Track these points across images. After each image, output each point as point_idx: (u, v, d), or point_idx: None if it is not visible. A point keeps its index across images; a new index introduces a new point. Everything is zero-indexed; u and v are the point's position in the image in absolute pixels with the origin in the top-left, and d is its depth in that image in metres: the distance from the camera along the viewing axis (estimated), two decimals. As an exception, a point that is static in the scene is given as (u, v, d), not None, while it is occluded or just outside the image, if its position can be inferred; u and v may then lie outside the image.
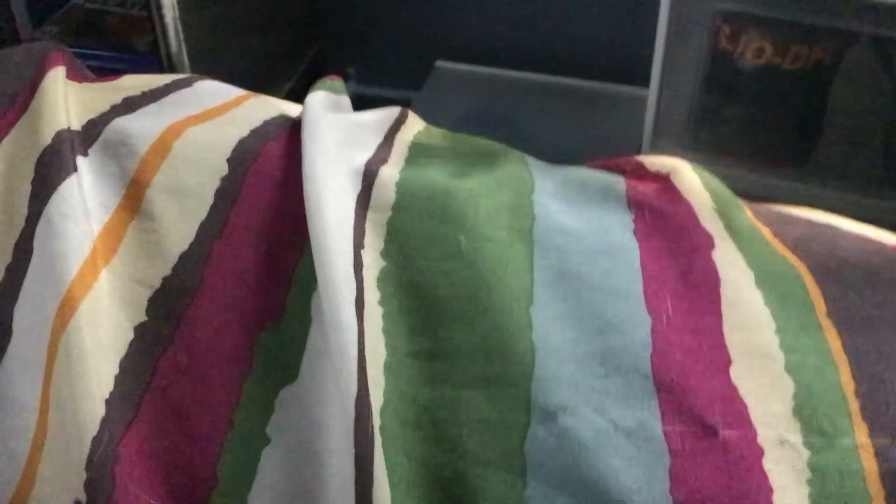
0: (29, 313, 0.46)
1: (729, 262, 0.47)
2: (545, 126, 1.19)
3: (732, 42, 0.93)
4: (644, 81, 1.00)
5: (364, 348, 0.43)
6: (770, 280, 0.46)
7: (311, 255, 0.46)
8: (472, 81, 1.26)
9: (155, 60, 1.02)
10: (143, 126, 0.53)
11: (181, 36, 1.01)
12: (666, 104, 0.97)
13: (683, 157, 1.00)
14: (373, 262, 0.47)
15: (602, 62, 1.23)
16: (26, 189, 0.49)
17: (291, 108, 0.59)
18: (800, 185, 0.95)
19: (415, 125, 0.60)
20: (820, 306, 0.45)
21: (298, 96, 1.29)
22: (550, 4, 1.21)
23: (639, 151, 1.07)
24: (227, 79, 1.06)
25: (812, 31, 0.89)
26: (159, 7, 0.98)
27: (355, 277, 0.45)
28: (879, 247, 0.51)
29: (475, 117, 1.21)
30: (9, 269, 0.48)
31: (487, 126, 1.19)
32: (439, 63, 1.28)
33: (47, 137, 0.50)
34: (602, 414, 0.41)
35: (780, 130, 0.97)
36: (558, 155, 1.13)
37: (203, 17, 1.03)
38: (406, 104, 1.21)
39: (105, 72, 1.08)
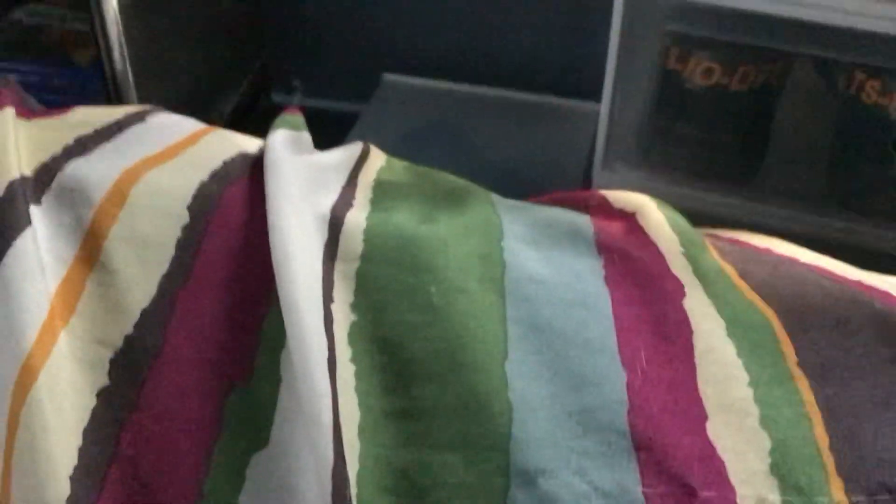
0: None
1: (700, 312, 0.47)
2: (493, 139, 1.18)
3: (681, 63, 0.93)
4: (592, 96, 1.00)
5: (338, 412, 0.41)
6: (741, 329, 0.46)
7: (278, 307, 0.45)
8: (420, 94, 1.25)
9: (97, 76, 0.99)
10: (97, 171, 0.50)
11: (125, 52, 0.98)
12: (617, 122, 0.97)
13: (635, 174, 1.00)
14: (343, 317, 0.46)
15: (550, 76, 1.23)
16: None
17: (250, 144, 0.57)
18: (749, 202, 0.96)
19: (377, 161, 0.58)
20: (791, 355, 0.45)
21: (245, 111, 1.27)
22: (499, 18, 1.21)
23: (588, 166, 1.07)
24: (172, 95, 1.04)
25: (758, 52, 0.90)
26: (103, 23, 0.95)
27: (326, 334, 0.44)
28: (843, 285, 0.51)
29: (423, 130, 1.21)
30: None
31: (435, 139, 1.19)
32: (387, 76, 1.27)
33: None
34: (582, 476, 0.41)
35: (729, 149, 0.98)
36: (506, 168, 1.14)
37: (147, 32, 1.00)
38: (353, 117, 1.21)
39: (45, 88, 1.05)
